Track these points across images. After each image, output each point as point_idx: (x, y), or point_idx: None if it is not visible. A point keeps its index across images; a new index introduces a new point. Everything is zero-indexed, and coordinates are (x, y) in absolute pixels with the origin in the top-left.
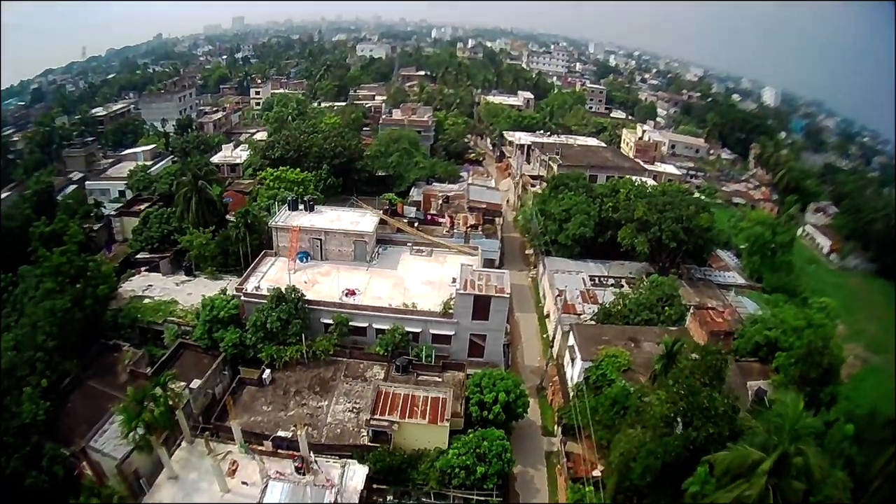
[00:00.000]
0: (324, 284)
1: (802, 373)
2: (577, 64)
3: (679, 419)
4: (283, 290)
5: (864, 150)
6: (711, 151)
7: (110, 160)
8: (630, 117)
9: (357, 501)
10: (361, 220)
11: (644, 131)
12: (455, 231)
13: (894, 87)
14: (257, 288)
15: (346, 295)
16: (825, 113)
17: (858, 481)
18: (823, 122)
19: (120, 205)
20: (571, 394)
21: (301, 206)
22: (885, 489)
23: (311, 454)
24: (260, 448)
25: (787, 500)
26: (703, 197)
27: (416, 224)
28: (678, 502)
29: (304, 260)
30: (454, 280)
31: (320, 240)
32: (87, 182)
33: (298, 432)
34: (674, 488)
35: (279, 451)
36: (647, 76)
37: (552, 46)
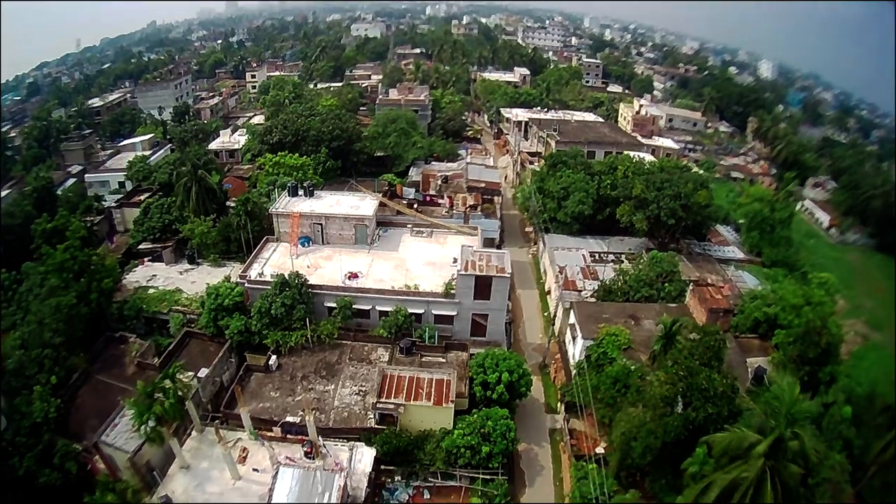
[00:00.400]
0: (326, 268)
1: (801, 352)
2: (573, 38)
3: (679, 399)
4: (286, 275)
5: (862, 124)
6: (709, 125)
7: (109, 152)
8: (627, 91)
9: (366, 483)
10: (361, 203)
11: (641, 105)
12: (455, 211)
13: (894, 60)
14: (261, 274)
15: (349, 278)
16: (822, 86)
17: (857, 464)
18: (821, 95)
19: (120, 196)
20: (573, 371)
21: (301, 192)
22: (882, 473)
23: (320, 438)
24: (269, 434)
25: (784, 482)
26: (701, 171)
27: (415, 205)
28: (678, 481)
29: (306, 244)
30: (455, 260)
31: (321, 224)
32: (86, 175)
33: (307, 417)
34: (674, 467)
35: (288, 436)
36: (643, 50)
37: (547, 21)
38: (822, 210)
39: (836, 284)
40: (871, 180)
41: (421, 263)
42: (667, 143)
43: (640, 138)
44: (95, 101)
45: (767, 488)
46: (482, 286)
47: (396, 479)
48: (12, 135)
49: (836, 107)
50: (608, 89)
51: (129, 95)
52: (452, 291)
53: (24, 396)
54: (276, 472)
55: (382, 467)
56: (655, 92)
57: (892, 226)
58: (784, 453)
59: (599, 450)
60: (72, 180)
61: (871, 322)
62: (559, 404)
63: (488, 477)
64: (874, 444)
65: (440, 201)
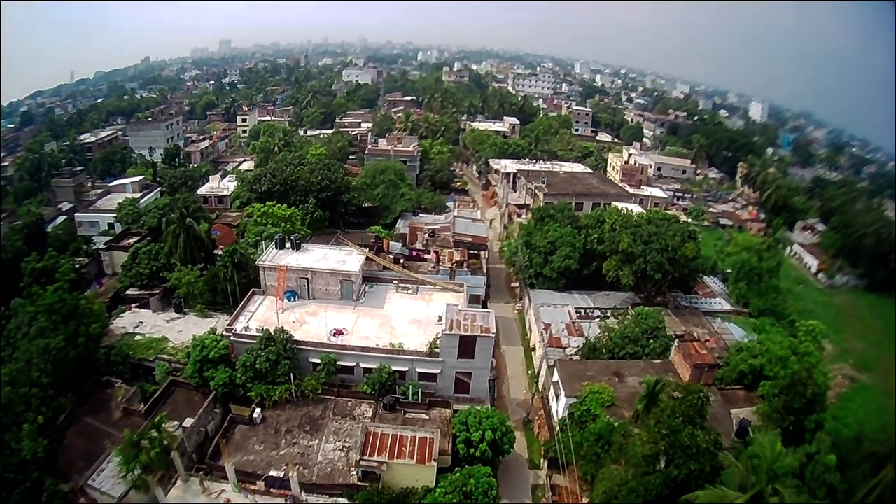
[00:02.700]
0: (311, 324)
1: (786, 403)
2: (564, 85)
3: (661, 457)
4: (271, 331)
5: (853, 160)
6: (698, 172)
7: (99, 191)
8: (616, 139)
9: None
10: (348, 258)
11: (630, 155)
12: (441, 267)
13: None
14: (246, 328)
15: (334, 335)
16: (814, 124)
17: None
18: (812, 134)
19: (109, 238)
20: (557, 428)
21: (288, 245)
22: None
23: (303, 494)
24: (253, 487)
25: None
26: (689, 220)
27: (401, 261)
28: None
29: (292, 299)
30: (440, 319)
31: (307, 279)
32: (76, 213)
33: (290, 472)
34: None
35: (272, 490)
36: (633, 95)
37: (538, 68)
38: (810, 255)
39: (824, 330)
40: (863, 218)
41: (406, 321)
42: (655, 192)
43: (628, 188)
44: (87, 137)
45: None
46: (466, 346)
47: None
48: (5, 164)
49: (828, 145)
50: (597, 138)
51: (120, 133)
52: (437, 350)
53: (13, 433)
54: None
55: None
56: (645, 139)
57: (883, 263)
58: None
59: None
60: (62, 217)
61: (860, 364)
62: (542, 460)
63: None
64: (859, 489)
65: (427, 256)
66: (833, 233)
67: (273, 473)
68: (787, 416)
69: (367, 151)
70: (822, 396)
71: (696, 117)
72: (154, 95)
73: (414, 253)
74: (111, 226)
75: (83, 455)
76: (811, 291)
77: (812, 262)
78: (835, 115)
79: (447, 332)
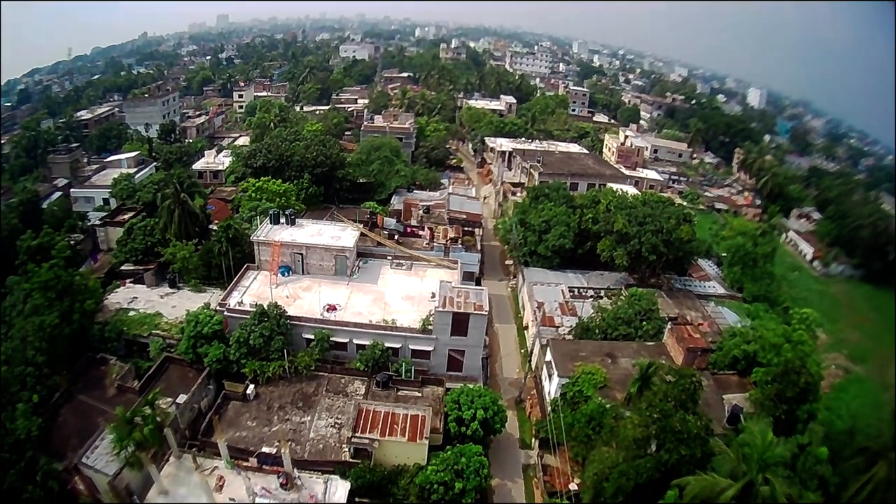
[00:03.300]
0: (305, 299)
1: (779, 391)
2: (561, 64)
3: (652, 441)
4: (265, 306)
5: (851, 152)
6: (695, 156)
7: (95, 167)
8: (613, 121)
9: None
10: (342, 234)
11: (627, 136)
12: (435, 243)
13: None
14: (240, 303)
15: (328, 310)
16: (812, 113)
17: (833, 501)
18: (810, 123)
19: (104, 214)
20: (549, 408)
21: (282, 220)
22: None
23: (295, 470)
24: (245, 464)
25: None
26: (685, 203)
27: (396, 237)
28: None
29: (286, 274)
30: (433, 295)
31: (301, 254)
32: (72, 189)
33: (282, 449)
34: None
35: (264, 466)
36: (631, 77)
37: (536, 47)
38: (806, 242)
39: (818, 319)
40: (860, 210)
41: (399, 297)
42: (651, 174)
43: (624, 170)
44: (84, 114)
45: None
46: (459, 323)
47: None
48: (1, 142)
49: (826, 135)
50: (594, 119)
51: (117, 109)
52: (430, 327)
53: (8, 413)
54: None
55: (357, 500)
56: (642, 122)
57: (880, 255)
58: (755, 499)
59: (573, 486)
60: (57, 194)
61: (854, 354)
62: (533, 440)
63: None
64: (851, 483)
65: (421, 233)
66: (829, 222)
67: (265, 450)
68: (779, 405)
69: (363, 128)
70: (815, 386)
71: (693, 101)
72: (151, 71)
73: (408, 229)
74: (106, 201)
75: (77, 433)
76: (806, 279)
77: (808, 250)
78: (834, 105)
79: (440, 308)
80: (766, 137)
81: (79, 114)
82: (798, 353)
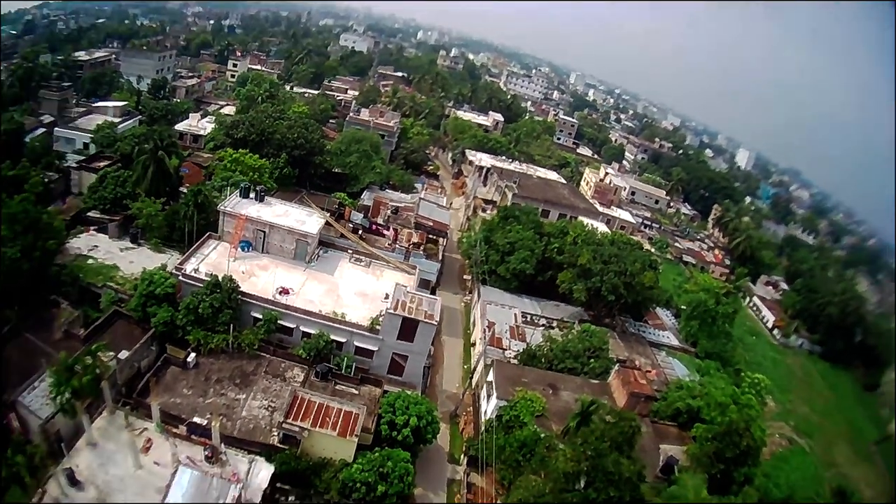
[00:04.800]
0: (260, 278)
1: (718, 449)
2: (555, 92)
3: (582, 478)
4: (220, 278)
5: (833, 227)
6: (672, 205)
7: (82, 109)
8: (597, 156)
9: (260, 498)
10: (308, 219)
11: (607, 173)
12: (397, 245)
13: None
14: (196, 270)
15: (280, 293)
16: (800, 183)
17: None
18: (796, 192)
19: (81, 158)
20: (482, 428)
21: (252, 195)
22: None
23: (223, 445)
24: (175, 431)
25: None
26: (653, 250)
27: (360, 232)
28: None
29: (246, 249)
30: (387, 296)
31: (264, 232)
32: (56, 128)
33: (213, 422)
34: None
35: (192, 437)
36: (622, 116)
37: (534, 70)
38: (769, 309)
39: (769, 386)
40: (832, 286)
41: (353, 292)
42: (624, 215)
43: (598, 206)
44: (82, 55)
45: None
46: (407, 328)
47: (291, 498)
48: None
49: (810, 207)
50: (578, 151)
51: (114, 56)
52: (377, 327)
53: None
54: (176, 471)
55: (278, 485)
56: (625, 162)
57: (844, 334)
58: None
59: None
60: (41, 130)
61: (801, 427)
62: (463, 457)
63: None
64: None
65: (386, 232)
66: (795, 294)
67: (196, 420)
68: (716, 463)
69: (347, 118)
70: (756, 451)
71: (680, 150)
72: (154, 25)
73: (374, 227)
74: (86, 146)
75: (19, 370)
76: (763, 346)
77: (769, 317)
78: (823, 179)
79: (391, 311)
80: (748, 199)
81: (77, 54)
82: (744, 415)
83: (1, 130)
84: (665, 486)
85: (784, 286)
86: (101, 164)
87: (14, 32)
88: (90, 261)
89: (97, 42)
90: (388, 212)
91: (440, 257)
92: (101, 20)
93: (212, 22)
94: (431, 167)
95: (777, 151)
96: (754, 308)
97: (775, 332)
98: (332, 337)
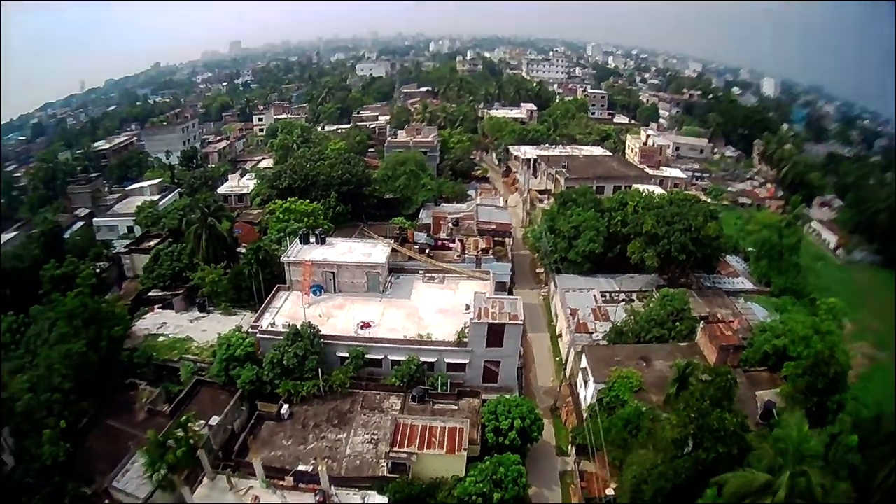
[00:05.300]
0: (338, 318)
1: (809, 383)
2: (577, 69)
3: (689, 441)
4: (298, 326)
5: (864, 135)
6: (715, 151)
7: (116, 195)
8: (633, 121)
9: None
10: (373, 250)
11: (648, 136)
12: (466, 255)
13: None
14: (272, 324)
15: (361, 328)
16: (825, 99)
17: (862, 488)
18: (824, 109)
19: (129, 241)
20: (585, 414)
21: (312, 239)
22: (886, 499)
23: (332, 487)
24: (281, 483)
25: None
26: (709, 200)
27: (427, 251)
28: None
29: (318, 293)
30: (467, 307)
31: (333, 273)
32: (94, 219)
33: (319, 466)
34: None
35: (300, 485)
36: (646, 76)
37: (551, 53)
38: (828, 230)
39: (843, 308)
40: (876, 194)
41: (433, 311)
42: (675, 172)
43: (648, 170)
44: (102, 144)
45: None
46: (495, 334)
47: None
48: (17, 174)
49: (839, 119)
50: (615, 120)
51: (135, 138)
52: (465, 340)
53: (34, 439)
54: None
55: None
56: (661, 120)
57: (894, 240)
58: (792, 491)
59: (610, 492)
60: (79, 224)
61: (878, 342)
62: (570, 447)
63: None
64: (879, 469)
65: (452, 245)
66: (849, 209)
67: (301, 468)
68: (810, 398)
69: (386, 144)
70: (843, 376)
71: (710, 96)
72: (167, 100)
73: (439, 242)
74: (130, 229)
75: (107, 458)
76: (830, 268)
77: (831, 238)
78: (844, 89)
79: (475, 320)
80: (784, 127)
81: (96, 144)
82: (827, 343)
83: (37, 233)
84: (768, 430)
85: (838, 203)
86: (151, 243)
87: (24, 138)
88: (161, 338)
89: (113, 129)
90: (449, 225)
91: (510, 257)
92: (111, 107)
93: (225, 84)
94: (479, 171)
95: (798, 72)
96: (814, 233)
97: (839, 251)
98: (422, 359)
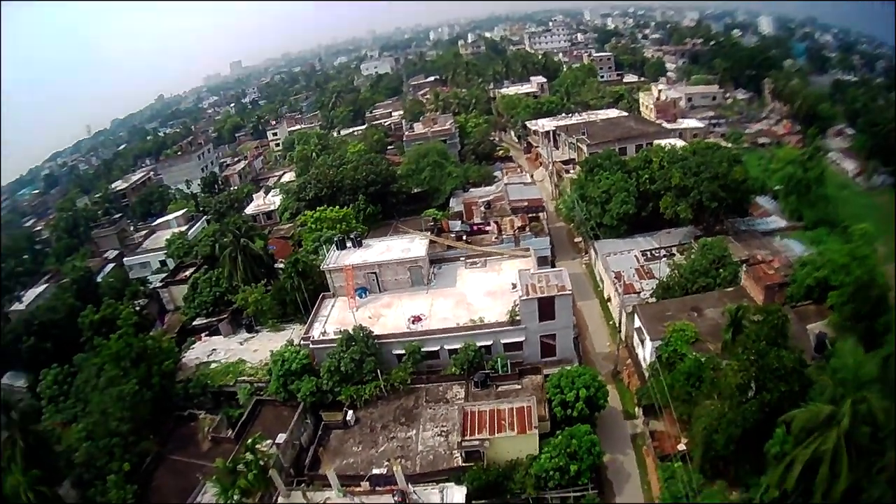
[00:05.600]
0: (388, 316)
1: (855, 309)
2: (579, 35)
3: (752, 384)
4: (350, 330)
5: (865, 59)
6: (727, 95)
7: (143, 232)
8: (642, 78)
9: None
10: (411, 245)
11: (660, 90)
12: (504, 236)
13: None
14: (324, 333)
15: (413, 322)
16: (820, 29)
17: None
18: (822, 39)
19: (164, 275)
20: (647, 374)
21: (349, 244)
22: None
23: (409, 485)
24: (358, 489)
25: (858, 445)
26: (730, 145)
27: (464, 237)
28: (760, 463)
29: (364, 295)
30: (514, 286)
31: (375, 273)
32: (125, 258)
33: (393, 467)
34: (755, 451)
35: (377, 488)
36: (647, 32)
37: (550, 23)
38: (847, 158)
39: (874, 232)
40: (885, 115)
41: (481, 295)
42: (692, 123)
43: (665, 124)
44: (119, 184)
45: (844, 456)
46: (546, 307)
47: None
48: (38, 228)
49: (838, 47)
50: (624, 80)
51: (152, 173)
52: (517, 318)
53: (98, 487)
54: None
55: (474, 502)
56: (669, 73)
57: None
58: (855, 417)
59: (681, 447)
60: (110, 266)
61: None
62: (637, 409)
63: (578, 494)
64: None
65: (488, 228)
66: (862, 135)
67: (376, 471)
68: (858, 324)
69: (405, 138)
70: (885, 297)
71: (712, 42)
72: (177, 130)
73: (475, 227)
74: (163, 263)
75: (176, 493)
76: (854, 196)
77: (849, 167)
78: (837, 17)
79: (524, 297)
80: (787, 62)
81: (114, 185)
82: (865, 268)
83: (69, 282)
84: (825, 362)
85: (850, 131)
86: (187, 273)
87: (38, 191)
88: (213, 364)
89: (128, 167)
90: (482, 209)
91: (547, 231)
92: (121, 147)
93: (232, 105)
94: (501, 151)
95: (790, 6)
96: (834, 162)
97: (859, 178)
98: (478, 343)
